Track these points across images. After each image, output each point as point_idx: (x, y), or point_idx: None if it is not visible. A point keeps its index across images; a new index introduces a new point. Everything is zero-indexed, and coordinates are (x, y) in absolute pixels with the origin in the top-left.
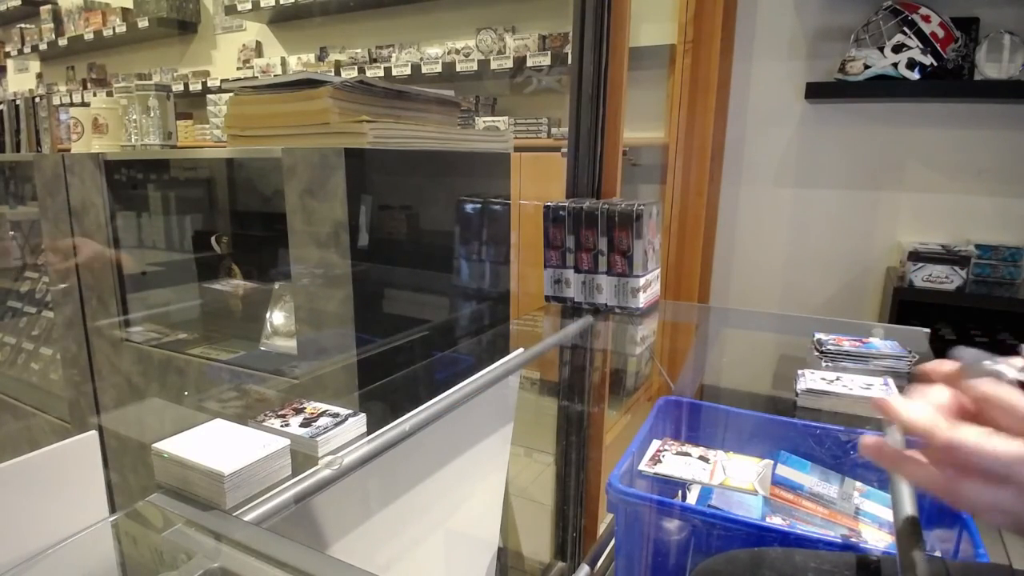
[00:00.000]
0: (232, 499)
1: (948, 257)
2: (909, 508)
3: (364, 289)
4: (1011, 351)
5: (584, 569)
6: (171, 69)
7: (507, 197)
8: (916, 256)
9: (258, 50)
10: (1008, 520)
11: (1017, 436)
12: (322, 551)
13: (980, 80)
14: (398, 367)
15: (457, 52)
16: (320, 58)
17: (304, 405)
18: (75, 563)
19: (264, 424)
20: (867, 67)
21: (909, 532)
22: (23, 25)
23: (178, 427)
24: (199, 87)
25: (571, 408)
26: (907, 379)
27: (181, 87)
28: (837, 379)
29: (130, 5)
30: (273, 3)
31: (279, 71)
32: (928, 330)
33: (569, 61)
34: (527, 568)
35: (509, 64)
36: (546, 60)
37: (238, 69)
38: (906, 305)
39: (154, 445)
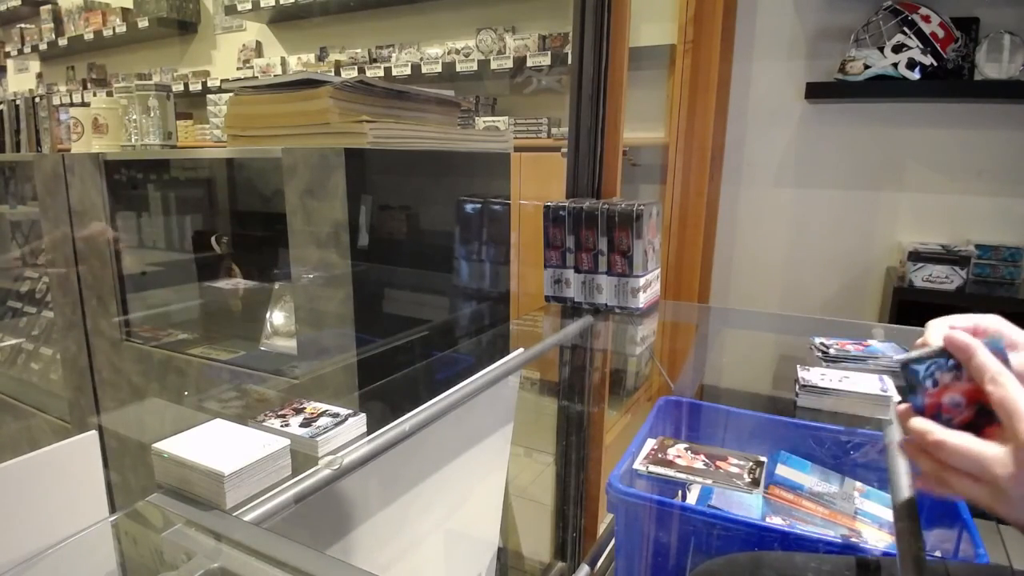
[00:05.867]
0: (232, 499)
1: (948, 257)
2: (909, 508)
3: (364, 289)
4: None
5: (584, 569)
6: (171, 69)
7: (507, 197)
8: (916, 256)
9: (258, 50)
10: (987, 508)
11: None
12: (322, 551)
13: (980, 80)
14: (398, 367)
15: (457, 52)
16: (320, 58)
17: (304, 405)
18: (75, 563)
19: (264, 424)
20: (867, 67)
21: (909, 532)
22: (23, 25)
23: (178, 427)
24: (199, 87)
25: (571, 408)
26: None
27: (181, 87)
28: (836, 379)
29: (130, 5)
30: (273, 3)
31: (279, 71)
32: None
33: (569, 61)
34: (527, 568)
35: (509, 64)
36: (546, 60)
37: (238, 69)
38: (906, 305)
39: (154, 445)
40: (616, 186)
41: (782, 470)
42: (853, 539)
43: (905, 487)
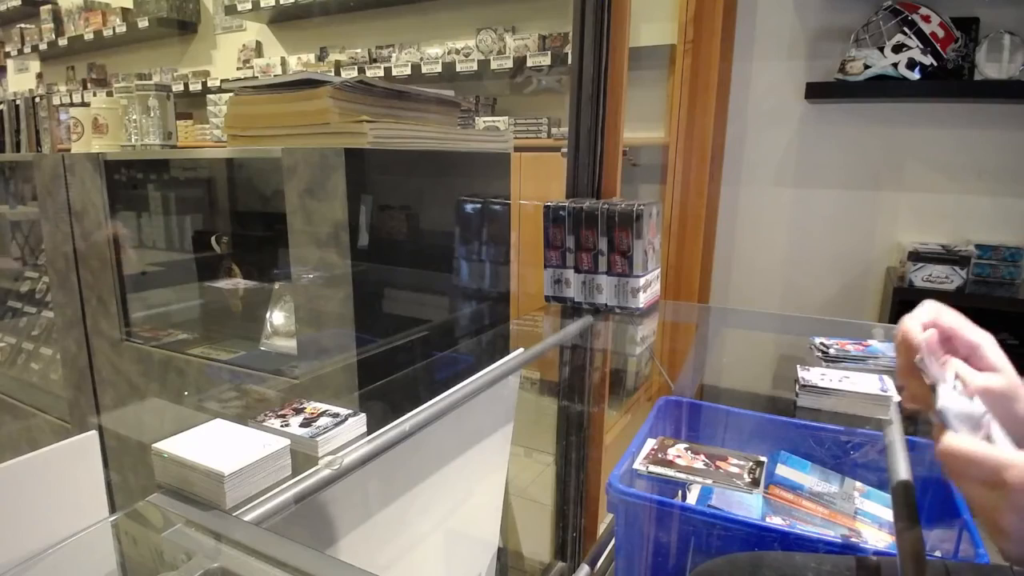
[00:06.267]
0: (232, 499)
1: (948, 257)
2: (909, 508)
3: (364, 289)
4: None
5: (584, 569)
6: (171, 69)
7: (507, 197)
8: (916, 256)
9: (258, 50)
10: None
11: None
12: (322, 551)
13: (980, 80)
14: (398, 367)
15: (457, 52)
16: (320, 58)
17: (304, 405)
18: (75, 563)
19: (264, 424)
20: (867, 67)
21: (909, 532)
22: (23, 25)
23: (178, 427)
24: (199, 87)
25: (571, 408)
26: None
27: (181, 87)
28: (836, 379)
29: (130, 5)
30: (273, 3)
31: (279, 71)
32: None
33: (569, 61)
34: (527, 568)
35: (509, 64)
36: (546, 60)
37: (238, 69)
38: (906, 305)
39: (154, 445)
40: (616, 186)
41: (782, 470)
42: (853, 539)
43: (905, 487)
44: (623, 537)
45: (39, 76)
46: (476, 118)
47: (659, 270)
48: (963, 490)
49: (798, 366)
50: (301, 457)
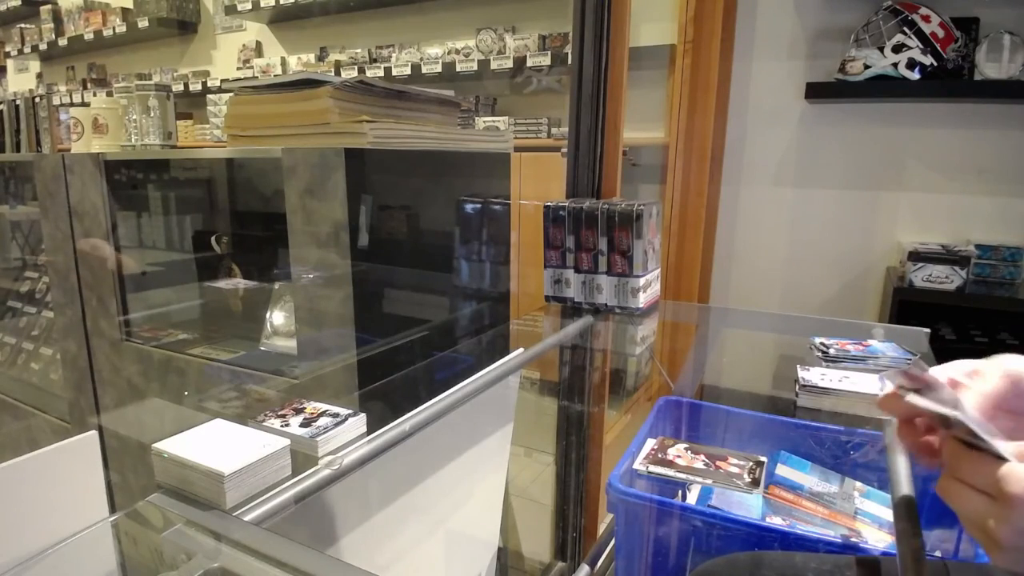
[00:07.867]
0: (232, 499)
1: (948, 257)
2: (909, 508)
3: (364, 289)
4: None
5: (584, 569)
6: (171, 69)
7: (507, 197)
8: (916, 256)
9: (258, 50)
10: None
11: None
12: (322, 551)
13: (980, 80)
14: (398, 367)
15: (457, 52)
16: (320, 58)
17: (304, 405)
18: (75, 563)
19: (264, 424)
20: (867, 67)
21: (909, 532)
22: (23, 25)
23: (178, 427)
24: (199, 87)
25: (571, 408)
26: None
27: (181, 87)
28: (836, 379)
29: (130, 5)
30: (273, 3)
31: (279, 71)
32: (928, 330)
33: (569, 61)
34: (527, 568)
35: (509, 64)
36: (546, 60)
37: (238, 69)
38: (906, 305)
39: (154, 445)
40: (616, 186)
41: (782, 470)
42: (853, 539)
43: (905, 487)
44: (623, 537)
45: (39, 76)
46: (476, 118)
47: (659, 270)
48: (958, 502)
49: (798, 366)
50: (301, 457)
